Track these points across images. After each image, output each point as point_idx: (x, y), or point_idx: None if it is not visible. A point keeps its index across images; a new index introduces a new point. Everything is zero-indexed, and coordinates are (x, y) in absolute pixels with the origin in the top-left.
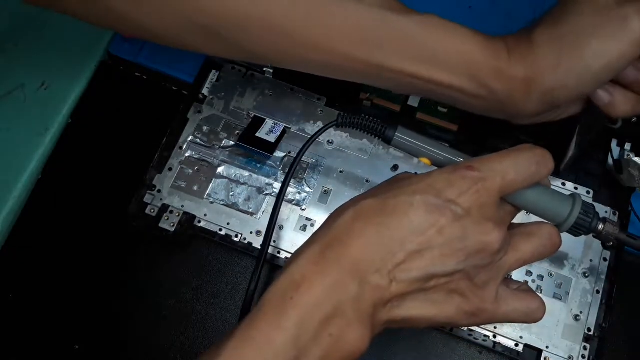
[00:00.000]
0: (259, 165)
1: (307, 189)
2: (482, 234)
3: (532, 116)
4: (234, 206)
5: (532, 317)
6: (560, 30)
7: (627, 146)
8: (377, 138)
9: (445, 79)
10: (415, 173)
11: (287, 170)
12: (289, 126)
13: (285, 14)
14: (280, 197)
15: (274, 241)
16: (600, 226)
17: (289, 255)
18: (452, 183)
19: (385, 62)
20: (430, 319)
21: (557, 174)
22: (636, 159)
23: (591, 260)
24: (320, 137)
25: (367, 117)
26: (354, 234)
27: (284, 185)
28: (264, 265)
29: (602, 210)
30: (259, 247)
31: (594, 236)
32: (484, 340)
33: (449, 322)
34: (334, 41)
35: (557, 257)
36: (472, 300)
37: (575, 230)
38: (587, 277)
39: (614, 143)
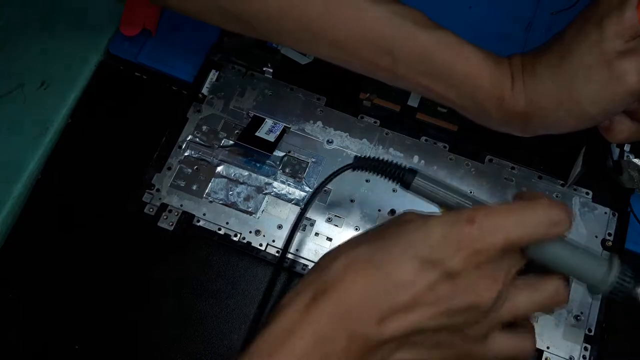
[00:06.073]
0: (258, 165)
1: (307, 189)
2: (474, 294)
3: (530, 136)
4: (233, 205)
5: (521, 358)
6: (562, 71)
7: (627, 147)
8: (394, 182)
9: (452, 97)
10: (416, 211)
11: (285, 169)
12: (289, 125)
13: (310, 9)
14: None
15: (273, 240)
16: None
17: (288, 255)
18: (449, 239)
19: (397, 69)
20: None
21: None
22: (635, 160)
23: None
24: (319, 136)
25: (385, 160)
26: (344, 284)
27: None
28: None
29: (602, 211)
30: (258, 247)
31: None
32: None
33: None
34: (351, 41)
35: None
36: (460, 349)
37: (613, 295)
38: None
39: (613, 144)
